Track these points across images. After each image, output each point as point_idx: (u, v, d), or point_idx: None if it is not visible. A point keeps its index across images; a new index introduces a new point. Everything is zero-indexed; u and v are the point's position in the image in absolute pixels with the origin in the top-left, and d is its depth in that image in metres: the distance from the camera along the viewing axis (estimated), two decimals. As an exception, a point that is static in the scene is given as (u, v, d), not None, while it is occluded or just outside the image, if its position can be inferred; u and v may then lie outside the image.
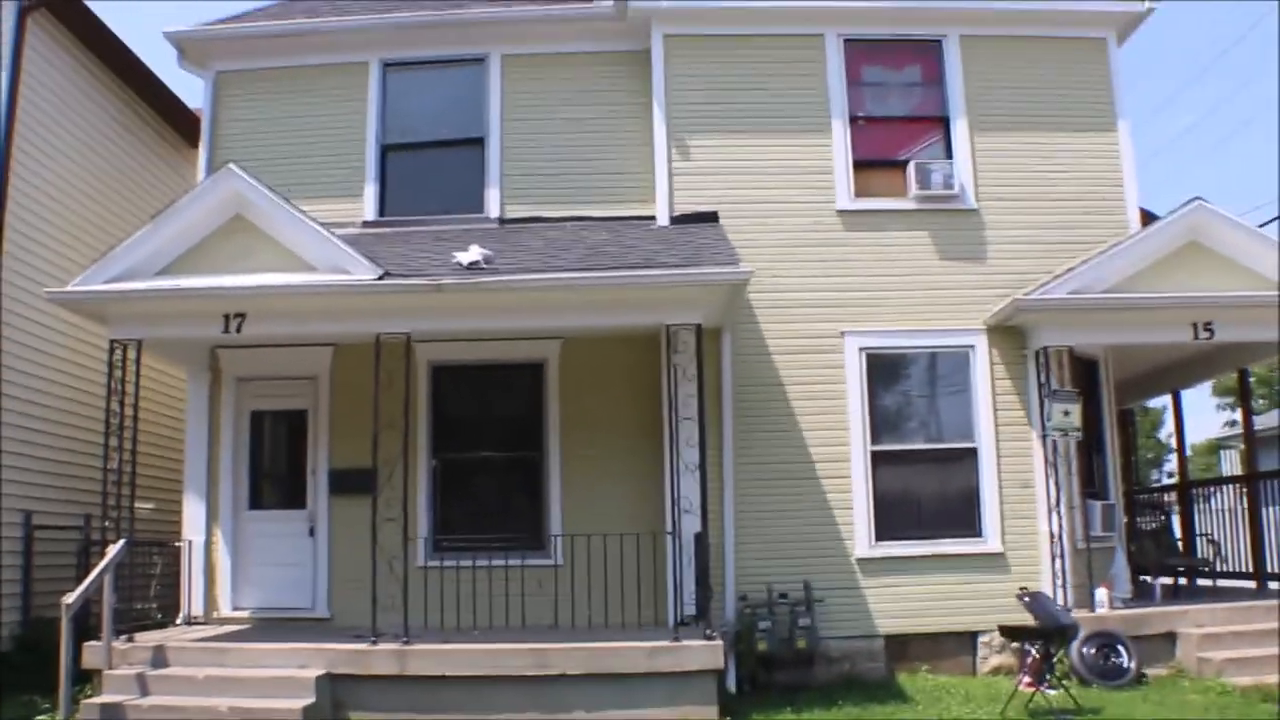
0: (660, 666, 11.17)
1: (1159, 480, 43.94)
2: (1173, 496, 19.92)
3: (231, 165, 12.62)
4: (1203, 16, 73.70)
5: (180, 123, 18.17)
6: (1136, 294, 13.57)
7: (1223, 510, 17.75)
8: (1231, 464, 37.36)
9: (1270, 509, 16.20)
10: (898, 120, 15.26)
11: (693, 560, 11.84)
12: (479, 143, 15.22)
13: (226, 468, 14.45)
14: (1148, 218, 15.02)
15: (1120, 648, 12.69)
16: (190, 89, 27.26)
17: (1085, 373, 14.76)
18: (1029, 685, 11.50)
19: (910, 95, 15.40)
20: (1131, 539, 16.09)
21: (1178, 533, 18.41)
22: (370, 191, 15.12)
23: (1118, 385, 16.00)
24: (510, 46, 15.33)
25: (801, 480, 13.95)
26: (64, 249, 15.22)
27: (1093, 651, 12.63)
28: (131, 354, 12.45)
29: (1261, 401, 42.77)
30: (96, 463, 13.26)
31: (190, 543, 14.10)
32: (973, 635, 13.72)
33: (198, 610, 14.06)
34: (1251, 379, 20.76)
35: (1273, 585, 15.76)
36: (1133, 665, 12.56)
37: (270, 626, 13.67)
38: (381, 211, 15.10)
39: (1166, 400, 20.24)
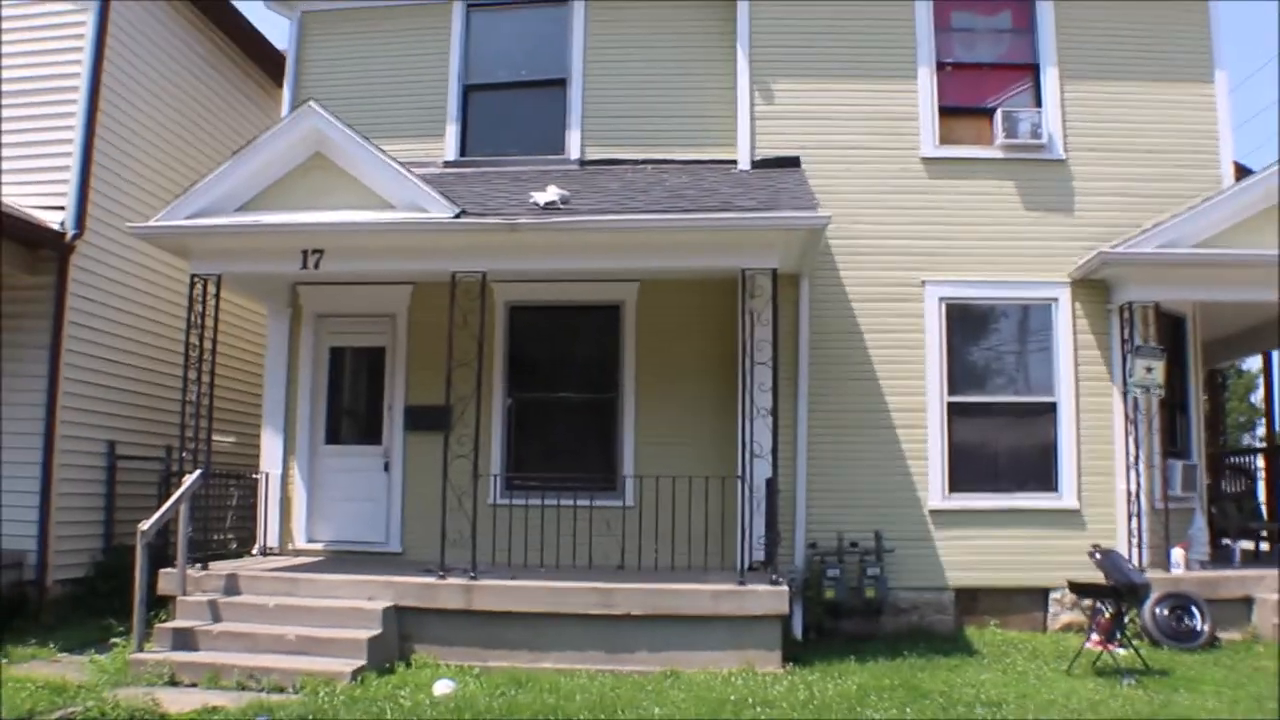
0: (724, 610, 11.17)
1: (1251, 445, 43.03)
2: (1260, 460, 19.49)
3: (312, 103, 12.66)
4: (1316, -26, 71.15)
5: (266, 62, 18.30)
6: (1227, 250, 13.22)
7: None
8: (1330, 431, 36.44)
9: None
10: (986, 67, 14.92)
11: (762, 505, 11.77)
12: (561, 84, 15.13)
13: (304, 403, 14.61)
14: (1243, 173, 14.60)
15: (1194, 610, 12.46)
16: (277, 28, 27.47)
17: (1171, 330, 14.48)
18: (1098, 644, 11.31)
19: (999, 42, 15.07)
20: (1213, 501, 15.78)
21: (1262, 497, 18.04)
22: (451, 131, 15.11)
23: (1206, 344, 15.67)
24: (594, -13, 15.24)
25: (876, 429, 13.85)
26: (152, 185, 15.40)
27: (1165, 613, 12.41)
28: (211, 288, 12.61)
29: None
30: (179, 395, 13.45)
31: (267, 475, 14.27)
32: (1044, 591, 13.55)
33: (273, 542, 14.26)
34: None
35: (1358, 553, 15.41)
36: (1206, 628, 12.33)
37: (342, 559, 13.83)
38: (463, 151, 15.10)
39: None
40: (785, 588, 11.26)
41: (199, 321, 12.49)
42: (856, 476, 13.75)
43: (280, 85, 16.10)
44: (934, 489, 13.78)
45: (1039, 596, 13.60)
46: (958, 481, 13.81)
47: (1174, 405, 14.47)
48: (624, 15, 15.13)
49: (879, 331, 14.03)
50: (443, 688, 10.05)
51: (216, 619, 11.34)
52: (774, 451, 11.81)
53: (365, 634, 10.88)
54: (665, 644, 11.14)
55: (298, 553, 14.20)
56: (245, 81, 18.31)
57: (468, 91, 15.28)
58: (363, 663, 10.57)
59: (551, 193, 12.39)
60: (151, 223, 12.63)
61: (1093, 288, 14.05)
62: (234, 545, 13.92)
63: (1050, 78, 14.60)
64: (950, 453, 13.87)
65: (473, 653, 11.21)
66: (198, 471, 12.07)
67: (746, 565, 11.73)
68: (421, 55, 15.34)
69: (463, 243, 12.23)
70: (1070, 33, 14.67)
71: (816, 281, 14.02)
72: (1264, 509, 17.65)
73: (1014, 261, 14.17)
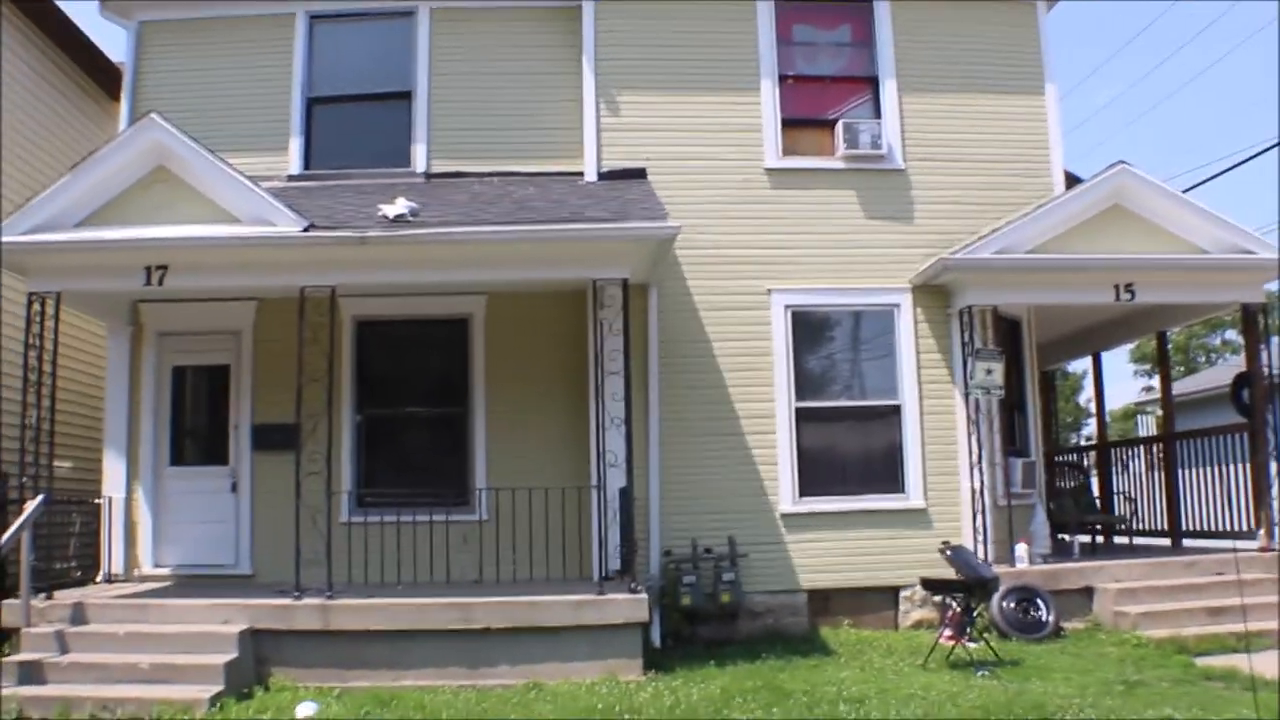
0: (585, 620, 11.21)
1: (1078, 443, 44.61)
2: (1092, 457, 20.24)
3: (154, 115, 12.34)
4: (1130, -13, 73.94)
5: (102, 75, 17.75)
6: (1060, 255, 13.73)
7: (1140, 470, 18.08)
8: (1148, 429, 37.99)
9: (1185, 470, 16.50)
10: (827, 80, 15.26)
11: (617, 515, 11.86)
12: (406, 96, 15.02)
13: (147, 424, 14.22)
14: (1073, 181, 15.15)
15: (1039, 601, 12.89)
16: (113, 39, 26.64)
17: (1008, 333, 14.95)
18: (950, 638, 11.65)
19: (840, 55, 15.43)
20: (1051, 497, 16.33)
21: (1096, 491, 18.73)
22: (295, 145, 14.89)
23: (1040, 347, 16.20)
24: (439, -1, 15.18)
25: (727, 436, 14.02)
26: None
27: (1012, 605, 12.82)
28: (50, 307, 12.22)
29: (1179, 369, 43.57)
30: (16, 419, 13.02)
31: (110, 500, 13.89)
32: (895, 590, 13.88)
33: (118, 568, 13.86)
34: (1169, 345, 21.17)
35: (1187, 542, 16.08)
36: (1051, 619, 12.76)
37: (192, 584, 13.50)
38: (307, 165, 14.88)
39: (1086, 365, 20.52)
40: (644, 596, 11.36)
41: (37, 342, 12.10)
42: (709, 483, 13.90)
43: (116, 100, 15.69)
44: (785, 493, 14.00)
45: (890, 595, 13.92)
46: (808, 485, 14.06)
47: (1012, 405, 14.92)
48: (469, 27, 15.10)
49: (728, 340, 14.21)
50: (305, 710, 9.89)
51: (65, 650, 10.94)
52: (628, 460, 11.91)
53: (221, 659, 10.62)
54: (526, 657, 11.13)
55: (144, 579, 13.82)
56: (80, 97, 17.69)
57: (311, 104, 15.07)
58: (220, 688, 10.31)
59: (401, 205, 12.28)
60: (-17, 240, 12.19)
61: (933, 293, 14.44)
62: (78, 574, 13.48)
63: (889, 90, 14.96)
64: (799, 457, 14.11)
65: (332, 673, 11.03)
66: (40, 497, 11.67)
67: (604, 575, 11.82)
68: (264, 67, 15.06)
69: (311, 257, 12.07)
70: (908, 47, 15.07)
71: (665, 291, 14.15)
72: (1098, 503, 18.33)
73: (857, 269, 14.49)
